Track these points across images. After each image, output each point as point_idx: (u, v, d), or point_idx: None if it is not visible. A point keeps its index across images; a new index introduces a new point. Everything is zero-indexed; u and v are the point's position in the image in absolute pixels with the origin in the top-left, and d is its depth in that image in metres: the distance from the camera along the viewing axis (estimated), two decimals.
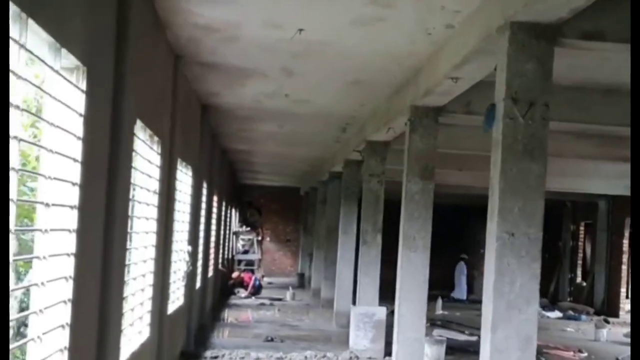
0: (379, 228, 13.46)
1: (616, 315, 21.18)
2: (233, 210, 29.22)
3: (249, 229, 29.90)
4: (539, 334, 16.60)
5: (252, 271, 26.30)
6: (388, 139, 13.20)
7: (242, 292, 23.06)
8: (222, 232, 22.24)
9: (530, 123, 6.08)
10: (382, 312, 13.19)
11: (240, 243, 30.00)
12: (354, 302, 16.75)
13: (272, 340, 14.39)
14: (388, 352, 12.92)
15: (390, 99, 11.42)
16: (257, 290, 22.85)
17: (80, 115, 4.90)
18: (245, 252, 29.01)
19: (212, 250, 18.48)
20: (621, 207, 21.72)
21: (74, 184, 4.84)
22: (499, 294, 6.00)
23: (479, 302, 19.57)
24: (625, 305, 22.14)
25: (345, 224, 17.05)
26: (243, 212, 30.65)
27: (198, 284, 15.10)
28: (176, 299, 11.49)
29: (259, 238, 29.85)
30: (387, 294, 13.74)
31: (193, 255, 12.80)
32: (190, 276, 12.77)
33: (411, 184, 9.87)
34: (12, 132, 3.71)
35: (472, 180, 18.67)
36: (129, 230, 7.02)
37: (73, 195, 4.85)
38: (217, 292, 21.01)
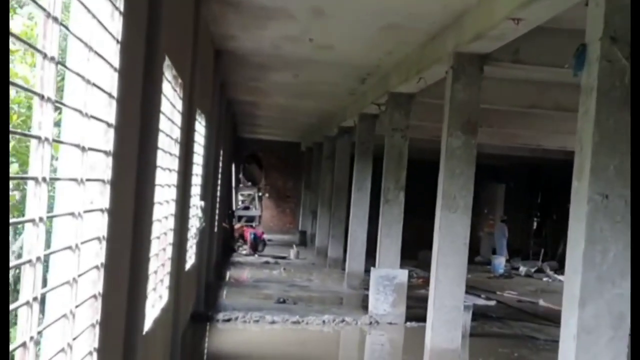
0: (402, 185, 12.65)
1: None
2: (233, 165, 28.34)
3: (249, 184, 29.02)
4: (556, 298, 15.95)
5: (253, 227, 25.49)
6: (414, 91, 12.34)
7: (245, 249, 22.30)
8: (225, 187, 21.41)
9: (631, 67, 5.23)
10: (403, 274, 12.45)
11: (240, 198, 29.15)
12: (367, 263, 16.06)
13: (284, 302, 13.65)
14: (409, 316, 12.26)
15: (424, 46, 10.52)
16: (256, 246, 22.02)
17: (118, 41, 4.02)
18: (246, 208, 28.16)
19: (217, 206, 17.67)
20: None
21: (109, 125, 3.98)
22: (590, 264, 5.22)
23: (486, 263, 18.74)
24: None
25: (359, 181, 16.23)
26: (243, 166, 29.66)
27: (206, 242, 14.33)
28: (188, 258, 10.71)
29: (260, 194, 28.97)
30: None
31: (205, 211, 11.99)
32: (202, 233, 11.98)
33: (452, 138, 9.02)
34: (50, 53, 2.85)
35: (484, 138, 17.83)
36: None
37: (108, 140, 3.99)
38: (219, 249, 20.25)
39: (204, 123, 11.62)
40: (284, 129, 26.60)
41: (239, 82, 16.16)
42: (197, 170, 11.10)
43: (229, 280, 16.91)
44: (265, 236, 27.04)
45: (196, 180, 10.98)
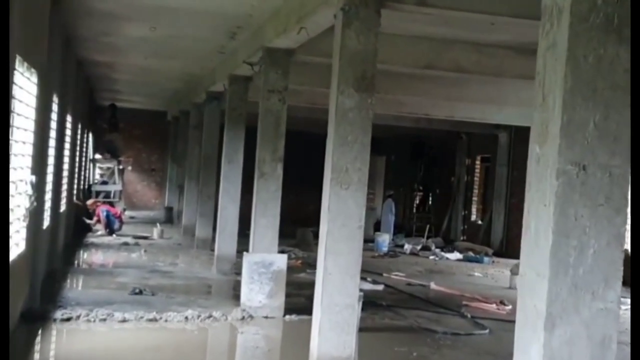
0: (280, 157, 10.83)
1: (517, 257, 19.63)
2: (90, 135, 25.69)
3: (108, 156, 26.38)
4: (446, 279, 14.68)
5: (112, 204, 23.01)
6: (293, 46, 10.54)
7: (99, 228, 19.86)
8: (77, 159, 18.92)
9: None
10: (282, 260, 10.66)
11: (98, 172, 26.53)
12: (240, 244, 14.24)
13: (140, 292, 11.60)
14: (288, 308, 10.57)
15: None
16: (110, 226, 19.60)
17: None
18: (104, 182, 25.56)
19: (65, 181, 15.33)
20: (525, 140, 19.96)
21: None
22: (561, 267, 3.60)
23: (369, 241, 17.29)
24: None
25: (229, 153, 14.30)
26: (100, 132, 26.84)
27: (46, 223, 12.10)
28: (14, 245, 8.53)
29: (121, 167, 26.39)
30: None
31: (39, 187, 9.79)
32: (35, 214, 9.75)
33: (344, 97, 7.27)
34: None
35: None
36: None
37: None
38: (70, 230, 17.84)
39: (35, 81, 9.37)
40: (147, 95, 24.20)
41: (89, 38, 13.85)
42: (25, 137, 8.88)
43: (79, 266, 14.66)
44: (127, 213, 24.75)
45: (23, 149, 8.79)
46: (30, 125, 9.25)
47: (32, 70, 9.09)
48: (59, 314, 9.58)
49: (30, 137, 9.25)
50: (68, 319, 9.49)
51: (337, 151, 7.23)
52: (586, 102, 3.61)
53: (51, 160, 12.12)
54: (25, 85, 8.61)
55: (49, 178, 12.08)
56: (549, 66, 3.73)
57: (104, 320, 9.61)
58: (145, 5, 10.66)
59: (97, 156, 26.72)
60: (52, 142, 12.15)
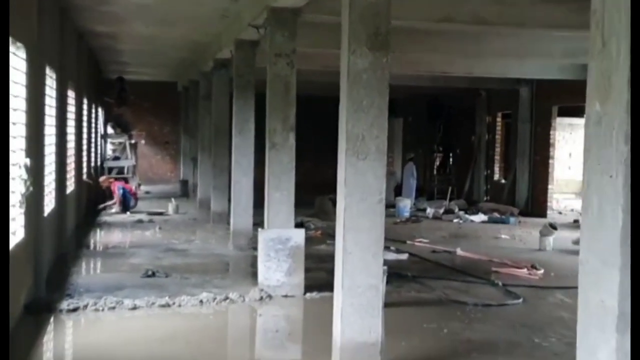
0: (291, 125, 10.11)
1: (543, 215, 18.96)
2: (99, 110, 25.05)
3: (119, 130, 25.73)
4: (472, 243, 13.95)
5: (126, 180, 22.44)
6: (300, 4, 9.79)
7: (113, 207, 19.28)
8: (84, 136, 18.30)
9: None
10: (299, 235, 10.01)
11: (110, 147, 25.94)
12: (259, 216, 13.60)
13: (153, 274, 11.04)
14: (309, 285, 9.97)
15: None
16: (127, 203, 19.03)
17: None
18: (116, 158, 24.96)
19: (71, 160, 14.74)
20: (547, 94, 19.17)
21: None
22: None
23: (389, 206, 16.64)
24: (554, 204, 19.92)
25: (240, 122, 13.61)
26: (108, 106, 26.13)
27: (51, 206, 11.56)
28: (10, 234, 7.93)
29: (132, 141, 25.74)
30: None
31: (36, 170, 9.18)
32: (33, 199, 9.15)
33: (356, 56, 6.54)
34: None
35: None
36: None
37: None
38: (81, 210, 17.29)
39: (23, 56, 8.71)
40: (154, 66, 23.43)
41: (86, 7, 13.10)
42: (15, 117, 8.24)
43: (91, 248, 14.12)
44: (143, 187, 24.31)
45: (13, 131, 8.15)
46: (21, 104, 8.61)
47: (19, 44, 8.43)
48: (65, 304, 9.03)
49: (22, 117, 8.62)
50: (75, 309, 8.94)
51: (351, 118, 6.52)
52: None
53: (51, 140, 11.51)
54: (11, 62, 7.95)
55: (51, 159, 11.51)
56: (609, 2, 3.00)
57: (113, 308, 9.06)
58: None
59: (109, 131, 26.13)
60: (50, 120, 11.53)
